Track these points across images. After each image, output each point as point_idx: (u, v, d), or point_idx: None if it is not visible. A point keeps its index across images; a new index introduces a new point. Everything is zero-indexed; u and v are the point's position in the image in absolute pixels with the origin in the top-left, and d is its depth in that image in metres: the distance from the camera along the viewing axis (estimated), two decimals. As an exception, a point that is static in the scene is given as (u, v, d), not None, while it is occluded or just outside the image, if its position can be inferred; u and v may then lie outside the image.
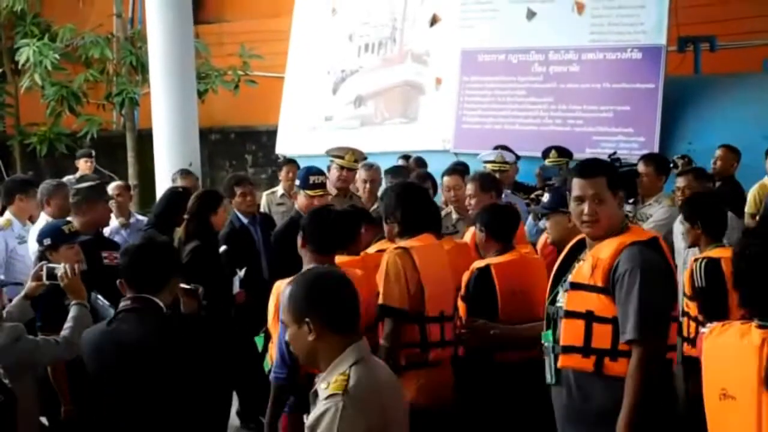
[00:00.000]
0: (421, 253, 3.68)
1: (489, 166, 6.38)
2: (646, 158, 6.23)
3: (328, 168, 6.05)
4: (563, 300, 3.04)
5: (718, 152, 6.58)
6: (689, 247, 4.42)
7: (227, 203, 5.33)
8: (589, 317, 2.96)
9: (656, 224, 5.35)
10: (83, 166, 8.63)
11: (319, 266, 2.50)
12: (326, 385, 2.27)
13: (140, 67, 10.54)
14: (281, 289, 3.55)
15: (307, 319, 2.30)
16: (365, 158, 6.34)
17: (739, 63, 8.92)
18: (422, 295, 3.65)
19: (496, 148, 6.67)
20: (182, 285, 3.71)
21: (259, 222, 5.86)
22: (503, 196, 6.10)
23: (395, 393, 2.43)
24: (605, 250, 2.95)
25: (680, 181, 5.45)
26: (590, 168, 3.07)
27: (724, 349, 2.28)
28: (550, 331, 3.12)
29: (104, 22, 11.31)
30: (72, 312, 3.67)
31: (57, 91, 10.69)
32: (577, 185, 3.03)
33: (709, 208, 4.28)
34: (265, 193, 7.42)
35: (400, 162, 7.42)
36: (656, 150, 7.41)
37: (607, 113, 8.19)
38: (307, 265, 3.50)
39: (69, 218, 4.74)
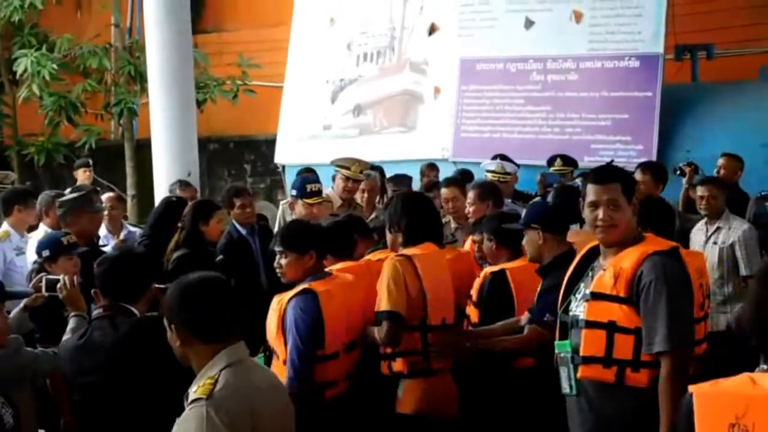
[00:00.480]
0: (423, 260, 3.69)
1: (490, 175, 6.40)
2: (644, 166, 6.24)
3: (333, 178, 6.05)
4: (583, 310, 3.00)
5: (722, 161, 6.57)
6: None
7: (223, 214, 5.25)
8: (611, 327, 2.93)
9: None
10: (81, 176, 8.55)
11: (199, 273, 2.41)
12: (195, 389, 2.25)
13: (138, 77, 10.53)
14: (284, 303, 3.57)
15: (172, 326, 2.30)
16: (369, 168, 6.38)
17: (736, 71, 8.95)
18: (424, 302, 3.66)
19: (495, 157, 6.67)
20: (157, 285, 3.72)
21: (258, 233, 5.86)
22: (504, 206, 6.13)
23: (272, 397, 2.38)
24: (627, 259, 2.92)
25: (702, 190, 5.44)
26: (605, 174, 3.05)
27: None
28: (567, 342, 3.07)
29: (102, 32, 11.30)
30: (71, 323, 3.66)
31: (55, 101, 10.67)
32: (591, 191, 3.00)
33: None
34: (282, 202, 7.40)
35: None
36: (654, 158, 7.42)
37: (606, 122, 8.21)
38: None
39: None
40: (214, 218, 5.07)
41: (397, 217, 3.84)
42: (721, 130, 7.81)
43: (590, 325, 2.97)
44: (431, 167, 7.81)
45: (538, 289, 3.70)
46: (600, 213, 2.96)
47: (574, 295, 3.10)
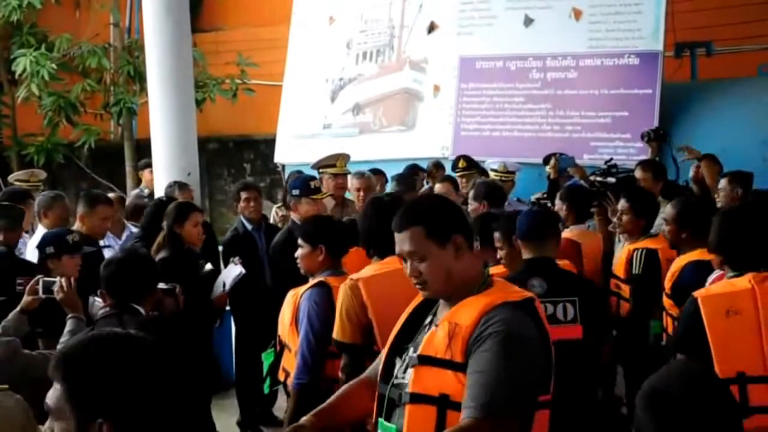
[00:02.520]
0: (373, 284, 3.32)
1: (493, 174, 6.43)
2: (643, 164, 6.24)
3: (320, 180, 6.06)
4: (409, 378, 2.32)
5: (703, 164, 6.48)
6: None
7: (199, 216, 5.07)
8: (443, 403, 2.26)
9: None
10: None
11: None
12: None
13: (138, 77, 10.54)
14: (298, 296, 3.58)
15: None
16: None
17: (735, 68, 8.95)
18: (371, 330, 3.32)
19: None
20: (160, 285, 3.72)
21: (264, 230, 5.89)
22: (507, 203, 6.15)
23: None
24: (465, 313, 2.27)
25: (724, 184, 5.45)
26: (404, 217, 2.38)
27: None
28: (393, 427, 2.35)
29: (101, 32, 11.31)
30: (68, 326, 3.66)
31: (54, 101, 10.68)
32: (396, 242, 2.39)
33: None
34: (275, 207, 7.43)
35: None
36: (656, 156, 7.42)
37: (605, 119, 8.22)
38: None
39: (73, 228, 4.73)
40: (189, 221, 4.92)
41: (362, 228, 3.58)
42: (720, 127, 7.81)
43: (417, 398, 2.28)
44: (438, 166, 7.78)
45: None
46: (408, 268, 2.37)
47: (402, 357, 2.41)
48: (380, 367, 2.47)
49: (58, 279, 3.77)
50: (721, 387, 1.87)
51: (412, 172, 7.21)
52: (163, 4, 7.72)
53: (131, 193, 8.39)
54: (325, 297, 3.53)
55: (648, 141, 6.78)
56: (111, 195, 6.92)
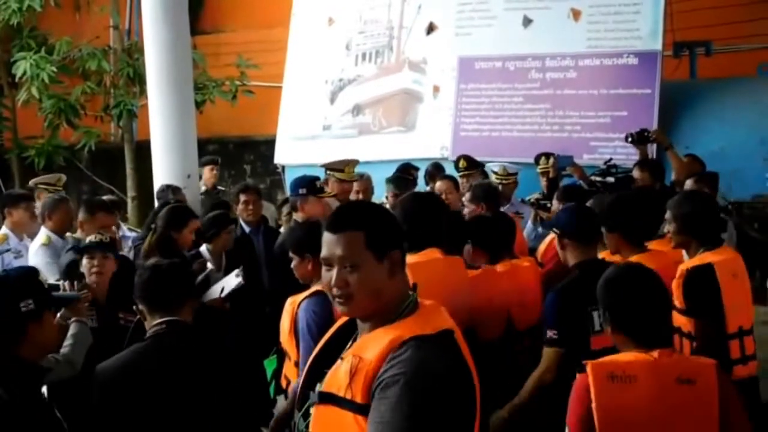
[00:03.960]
0: (415, 270, 3.36)
1: (493, 177, 6.44)
2: (641, 164, 6.24)
3: (326, 181, 6.06)
4: (312, 416, 2.07)
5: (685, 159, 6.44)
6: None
7: (196, 224, 5.09)
8: None
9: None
10: (208, 174, 8.39)
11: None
12: None
13: (137, 79, 10.54)
14: (296, 305, 3.54)
15: None
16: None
17: (734, 67, 8.96)
18: None
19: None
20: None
21: (263, 232, 5.88)
22: (509, 204, 6.16)
23: None
24: (372, 346, 1.98)
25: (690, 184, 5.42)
26: (343, 217, 2.10)
27: None
28: None
29: (101, 34, 11.31)
30: (72, 329, 3.65)
31: (54, 103, 10.68)
32: (324, 242, 2.11)
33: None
34: (283, 213, 7.41)
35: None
36: (654, 155, 7.42)
37: (605, 119, 8.22)
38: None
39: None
40: (187, 227, 4.93)
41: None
42: (719, 126, 7.82)
43: None
44: (437, 167, 7.76)
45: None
46: (333, 276, 2.07)
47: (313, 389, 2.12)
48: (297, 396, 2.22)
49: (61, 282, 3.78)
50: None
51: (406, 172, 7.20)
52: (162, 7, 7.72)
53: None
54: (323, 305, 3.43)
55: (632, 143, 6.74)
56: (105, 197, 6.95)
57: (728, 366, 3.40)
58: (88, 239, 4.24)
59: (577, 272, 3.52)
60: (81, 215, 5.32)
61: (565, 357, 3.28)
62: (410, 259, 3.40)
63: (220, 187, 8.64)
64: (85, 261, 4.16)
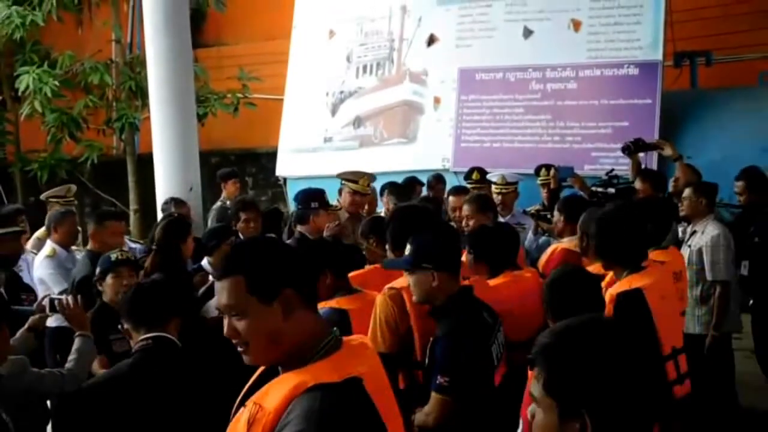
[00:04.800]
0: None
1: (493, 188, 6.43)
2: (643, 174, 6.23)
3: (340, 191, 6.06)
4: None
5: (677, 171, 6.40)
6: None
7: (192, 232, 5.16)
8: None
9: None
10: (231, 188, 8.43)
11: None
12: None
13: (140, 92, 10.59)
14: None
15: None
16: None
17: (735, 77, 8.96)
18: (411, 338, 3.32)
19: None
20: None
21: None
22: (511, 215, 6.15)
23: None
24: (274, 394, 1.81)
25: (685, 193, 5.44)
26: (224, 263, 1.96)
27: None
28: None
29: (103, 48, 11.37)
30: (76, 344, 3.65)
31: (57, 117, 10.73)
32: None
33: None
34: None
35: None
36: (655, 166, 7.42)
37: (606, 129, 8.22)
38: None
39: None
40: (190, 236, 4.99)
41: (399, 237, 3.50)
42: (721, 136, 7.81)
43: None
44: (438, 179, 7.77)
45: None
46: (225, 326, 1.93)
47: None
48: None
49: (64, 297, 3.78)
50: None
51: (411, 187, 7.20)
52: (163, 20, 7.76)
53: (214, 206, 8.42)
54: (338, 322, 3.24)
55: (629, 154, 6.75)
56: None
57: (668, 388, 3.39)
58: (113, 256, 4.19)
59: (452, 308, 3.16)
60: (91, 227, 5.35)
61: (455, 404, 3.01)
62: (405, 281, 3.36)
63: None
64: (110, 279, 4.13)
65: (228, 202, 8.17)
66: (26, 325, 3.83)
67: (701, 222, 5.28)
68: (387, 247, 3.78)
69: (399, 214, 3.84)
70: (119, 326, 3.21)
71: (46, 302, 3.80)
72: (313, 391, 1.75)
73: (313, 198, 5.36)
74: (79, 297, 3.78)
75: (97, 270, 4.21)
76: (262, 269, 1.88)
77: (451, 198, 5.93)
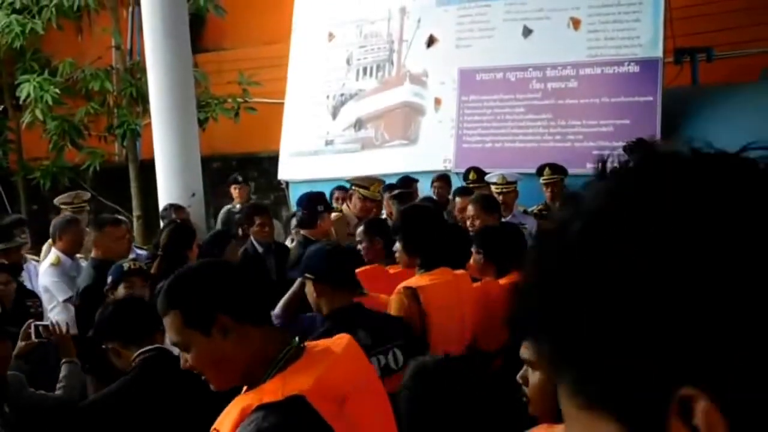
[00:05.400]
0: (429, 292, 3.47)
1: (493, 188, 6.42)
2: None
3: (350, 197, 6.05)
4: None
5: None
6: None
7: (197, 239, 5.18)
8: None
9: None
10: (235, 193, 8.48)
11: None
12: None
13: (140, 98, 10.59)
14: None
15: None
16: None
17: (736, 73, 8.93)
18: (426, 336, 3.43)
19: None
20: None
21: (274, 251, 5.86)
22: (512, 215, 6.15)
23: None
24: (228, 418, 1.83)
25: None
26: (161, 299, 1.96)
27: None
28: None
29: (103, 55, 11.37)
30: (63, 371, 3.62)
31: (58, 125, 10.73)
32: None
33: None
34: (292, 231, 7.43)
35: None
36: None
37: (607, 128, 8.21)
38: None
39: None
40: (195, 243, 5.03)
41: (413, 238, 3.61)
42: (723, 132, 7.72)
43: None
44: (441, 179, 7.73)
45: None
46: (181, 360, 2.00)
47: None
48: None
49: (50, 322, 3.75)
50: None
51: (406, 186, 7.20)
52: (162, 26, 7.78)
53: (223, 210, 8.43)
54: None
55: (630, 154, 6.73)
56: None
57: None
58: (125, 266, 4.18)
59: (329, 324, 3.14)
60: (93, 235, 5.36)
61: None
62: (423, 280, 3.51)
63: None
64: (122, 289, 4.09)
65: (238, 206, 8.19)
66: (14, 352, 3.80)
67: None
68: (398, 247, 3.77)
69: (410, 216, 3.85)
70: (102, 346, 3.14)
71: (31, 329, 3.77)
72: (255, 412, 1.75)
73: (318, 201, 5.40)
74: (67, 323, 3.75)
75: (109, 279, 4.19)
76: (194, 301, 1.87)
77: (457, 199, 5.96)
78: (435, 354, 3.30)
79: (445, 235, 3.84)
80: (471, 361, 3.58)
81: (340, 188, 6.73)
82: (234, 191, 8.56)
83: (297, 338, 1.94)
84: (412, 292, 3.43)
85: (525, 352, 1.77)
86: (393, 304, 3.44)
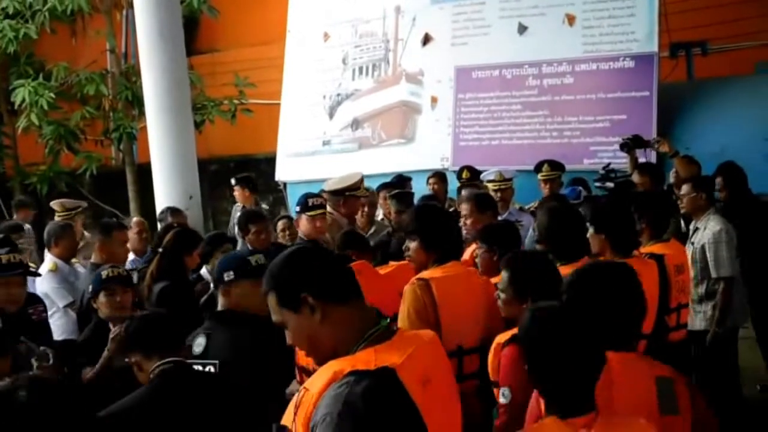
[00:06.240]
0: (443, 284, 3.50)
1: (490, 186, 6.41)
2: (641, 168, 6.22)
3: (344, 203, 5.98)
4: None
5: (677, 164, 6.43)
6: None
7: (201, 247, 5.09)
8: None
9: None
10: (237, 194, 8.29)
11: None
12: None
13: (136, 102, 10.56)
14: None
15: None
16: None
17: (731, 66, 8.95)
18: (439, 329, 3.42)
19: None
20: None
21: (272, 257, 5.80)
22: (508, 212, 6.15)
23: None
24: (318, 379, 1.94)
25: (683, 189, 5.42)
26: (264, 282, 2.14)
27: None
28: None
29: (98, 59, 11.35)
30: None
31: (54, 129, 10.70)
32: None
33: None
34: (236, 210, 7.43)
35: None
36: (654, 158, 7.41)
37: (604, 123, 8.22)
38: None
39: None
40: (196, 251, 4.98)
41: (433, 234, 3.63)
42: (719, 126, 7.80)
43: None
44: (437, 177, 7.71)
45: None
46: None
47: None
48: None
49: (41, 350, 3.67)
50: None
51: (401, 186, 7.20)
52: (157, 29, 7.75)
53: (235, 207, 8.41)
54: None
55: (629, 151, 6.77)
56: (138, 219, 7.05)
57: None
58: (103, 273, 4.03)
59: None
60: (97, 239, 5.34)
61: None
62: (436, 272, 3.55)
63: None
64: (103, 297, 3.96)
65: (239, 207, 8.17)
66: None
67: (702, 218, 5.26)
68: (412, 246, 3.75)
69: (426, 215, 3.83)
70: (125, 359, 3.09)
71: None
72: (347, 376, 1.87)
73: (297, 203, 5.38)
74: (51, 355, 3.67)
75: (89, 288, 4.10)
76: (284, 282, 2.06)
77: (464, 192, 5.96)
78: (447, 346, 3.39)
79: (457, 231, 3.93)
80: None
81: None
82: (235, 193, 8.46)
83: (388, 319, 2.07)
84: (426, 284, 3.46)
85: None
86: (407, 295, 3.47)
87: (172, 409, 2.85)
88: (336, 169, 7.79)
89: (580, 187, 6.36)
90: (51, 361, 3.62)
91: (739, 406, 5.11)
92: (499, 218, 5.62)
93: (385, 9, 9.75)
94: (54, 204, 7.20)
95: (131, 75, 11.02)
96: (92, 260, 5.45)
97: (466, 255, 4.58)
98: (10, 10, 10.59)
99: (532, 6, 8.79)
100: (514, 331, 2.76)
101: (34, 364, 3.60)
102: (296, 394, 1.96)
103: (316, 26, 10.21)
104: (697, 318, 5.13)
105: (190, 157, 7.99)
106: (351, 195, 5.86)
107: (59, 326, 5.26)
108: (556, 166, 6.99)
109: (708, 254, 5.11)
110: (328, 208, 5.61)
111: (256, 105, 11.05)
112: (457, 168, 8.40)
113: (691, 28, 8.91)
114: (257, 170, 11.89)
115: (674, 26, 8.62)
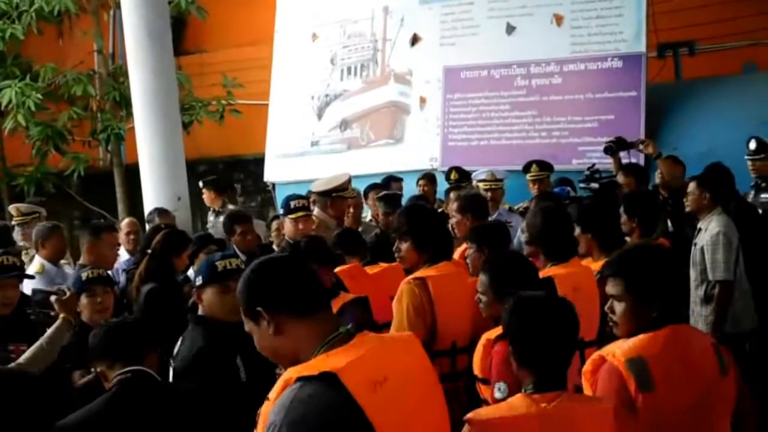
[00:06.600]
0: (438, 283, 3.54)
1: (481, 185, 6.41)
2: (626, 169, 6.23)
3: (332, 204, 5.98)
4: None
5: (662, 165, 6.44)
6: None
7: (190, 248, 5.13)
8: None
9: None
10: (206, 196, 8.26)
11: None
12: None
13: (124, 102, 10.51)
14: None
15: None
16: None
17: (719, 66, 8.97)
18: (434, 327, 3.52)
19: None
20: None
21: (255, 258, 5.78)
22: (498, 213, 6.14)
23: None
24: (275, 388, 2.02)
25: (689, 187, 5.42)
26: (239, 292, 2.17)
27: None
28: None
29: (85, 59, 11.29)
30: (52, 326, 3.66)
31: (41, 130, 10.64)
32: None
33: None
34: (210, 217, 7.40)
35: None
36: (642, 161, 7.43)
37: (592, 123, 8.23)
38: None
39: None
40: (186, 251, 5.00)
41: (425, 235, 3.67)
42: (707, 126, 7.83)
43: None
44: (426, 178, 7.70)
45: None
46: None
47: None
48: None
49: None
50: None
51: (389, 187, 7.19)
52: (144, 29, 7.72)
53: (210, 212, 8.36)
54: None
55: (612, 154, 6.79)
56: (130, 219, 7.08)
57: None
58: (83, 275, 4.04)
59: None
60: (87, 240, 5.30)
61: None
62: (430, 271, 3.59)
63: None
64: (84, 299, 3.97)
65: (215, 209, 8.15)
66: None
67: (706, 218, 5.22)
68: (404, 247, 3.74)
69: (417, 216, 3.85)
70: (91, 369, 3.07)
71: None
72: (294, 383, 1.94)
73: (281, 206, 5.41)
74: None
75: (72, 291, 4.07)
76: (242, 294, 2.12)
77: (452, 195, 5.97)
78: (442, 344, 3.53)
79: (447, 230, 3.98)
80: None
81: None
82: (203, 196, 8.39)
83: (350, 325, 2.11)
84: (422, 282, 3.51)
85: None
86: (404, 294, 3.51)
87: (127, 418, 2.79)
88: (325, 169, 7.77)
89: (569, 188, 6.37)
90: (67, 295, 3.74)
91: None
92: (489, 219, 5.61)
93: (373, 9, 9.74)
94: (11, 208, 7.17)
95: (119, 75, 10.97)
96: (80, 262, 5.42)
97: (456, 255, 4.59)
98: (-3, 11, 10.53)
99: (520, 6, 8.80)
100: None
101: (53, 299, 3.74)
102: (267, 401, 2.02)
103: (304, 27, 10.20)
104: (699, 322, 5.06)
105: (179, 158, 7.96)
106: (338, 196, 5.83)
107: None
108: (544, 166, 6.99)
109: (706, 256, 5.07)
110: (316, 210, 5.60)
111: (245, 105, 11.01)
112: (446, 168, 8.40)
113: (678, 28, 8.93)
114: (246, 171, 11.89)
115: (662, 26, 8.64)
